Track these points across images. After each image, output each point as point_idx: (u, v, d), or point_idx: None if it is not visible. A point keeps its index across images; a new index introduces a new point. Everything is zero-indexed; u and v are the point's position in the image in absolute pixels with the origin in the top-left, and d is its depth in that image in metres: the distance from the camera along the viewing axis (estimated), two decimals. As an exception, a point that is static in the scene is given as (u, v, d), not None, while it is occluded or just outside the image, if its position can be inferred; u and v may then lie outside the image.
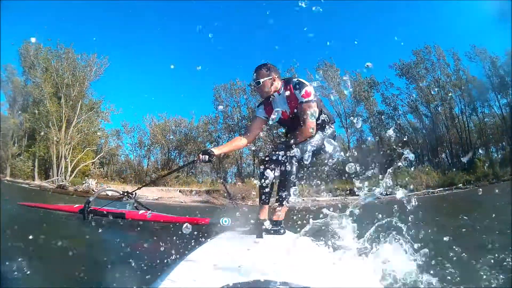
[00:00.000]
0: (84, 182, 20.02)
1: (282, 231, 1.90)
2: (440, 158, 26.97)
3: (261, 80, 2.13)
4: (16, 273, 1.58)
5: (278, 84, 2.18)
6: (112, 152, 26.01)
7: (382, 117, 26.33)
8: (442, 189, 23.69)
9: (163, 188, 20.41)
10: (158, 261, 1.59)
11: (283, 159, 1.93)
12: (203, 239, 1.74)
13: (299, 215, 1.76)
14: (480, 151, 26.39)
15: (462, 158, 26.55)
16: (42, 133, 21.09)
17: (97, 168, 24.24)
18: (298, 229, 2.10)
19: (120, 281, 1.48)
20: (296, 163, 1.97)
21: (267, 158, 2.09)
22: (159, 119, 27.31)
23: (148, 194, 18.18)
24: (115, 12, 39.98)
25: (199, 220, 2.87)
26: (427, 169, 25.45)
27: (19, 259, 1.78)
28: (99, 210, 3.28)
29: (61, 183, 19.87)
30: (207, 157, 2.04)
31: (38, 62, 21.77)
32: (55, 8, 32.03)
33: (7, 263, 1.67)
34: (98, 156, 24.32)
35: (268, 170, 2.06)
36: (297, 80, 2.11)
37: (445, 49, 25.99)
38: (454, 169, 25.67)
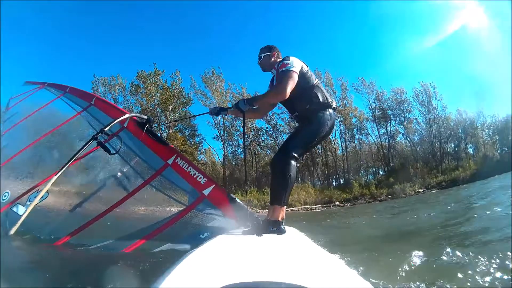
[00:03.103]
0: None
1: (282, 231, 1.89)
2: (318, 177, 27.09)
3: (262, 55, 2.33)
4: (16, 273, 1.57)
5: (277, 60, 2.29)
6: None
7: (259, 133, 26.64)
8: (319, 206, 23.51)
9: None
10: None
11: (282, 159, 1.99)
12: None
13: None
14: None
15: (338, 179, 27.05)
16: None
17: None
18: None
19: (120, 281, 1.51)
20: (297, 164, 2.01)
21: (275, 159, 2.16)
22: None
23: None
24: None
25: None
26: (305, 186, 25.28)
27: (20, 259, 1.77)
28: None
29: None
30: (217, 109, 2.35)
31: None
32: None
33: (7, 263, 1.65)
34: None
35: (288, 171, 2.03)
36: (285, 56, 2.20)
37: (335, 77, 28.23)
38: (332, 188, 25.85)
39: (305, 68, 2.17)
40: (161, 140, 2.52)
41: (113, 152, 2.36)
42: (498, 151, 30.77)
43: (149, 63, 42.70)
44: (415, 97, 28.08)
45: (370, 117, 28.43)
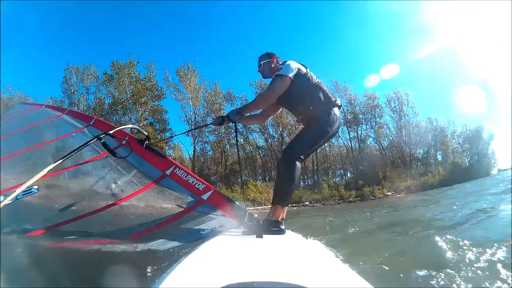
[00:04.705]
0: None
1: (282, 231, 1.88)
2: None
3: (262, 63, 2.35)
4: (16, 273, 1.56)
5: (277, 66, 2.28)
6: None
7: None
8: (289, 205, 23.37)
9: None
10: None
11: (287, 159, 1.99)
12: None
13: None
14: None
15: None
16: None
17: None
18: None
19: (120, 281, 1.51)
20: (300, 163, 2.00)
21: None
22: (4, 91, 22.93)
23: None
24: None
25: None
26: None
27: (20, 259, 1.74)
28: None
29: None
30: (220, 120, 2.25)
31: None
32: None
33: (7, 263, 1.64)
34: None
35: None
36: (283, 61, 2.22)
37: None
38: (301, 188, 25.83)
39: (304, 70, 2.15)
40: (160, 154, 2.64)
41: (119, 155, 2.42)
42: (468, 159, 31.66)
43: (124, 53, 41.49)
44: (387, 103, 28.69)
45: (341, 120, 28.78)
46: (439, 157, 30.76)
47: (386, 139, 29.38)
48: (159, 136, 24.24)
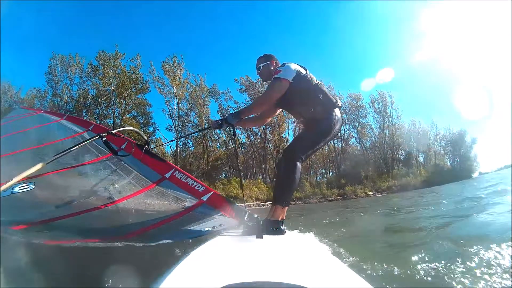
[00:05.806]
0: None
1: (282, 231, 1.88)
2: (268, 174, 27.05)
3: (261, 65, 2.32)
4: (16, 273, 1.54)
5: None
6: None
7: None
8: (270, 202, 23.22)
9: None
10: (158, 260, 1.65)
11: (288, 160, 2.00)
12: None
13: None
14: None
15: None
16: None
17: None
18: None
19: (120, 281, 1.50)
20: (300, 164, 2.01)
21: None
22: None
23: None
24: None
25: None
26: (257, 182, 25.19)
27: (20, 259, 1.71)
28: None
29: None
30: (218, 123, 2.22)
31: None
32: None
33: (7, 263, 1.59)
34: None
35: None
36: (282, 63, 2.20)
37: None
38: None
39: (303, 72, 2.13)
40: (159, 158, 2.71)
41: (120, 154, 2.51)
42: (450, 161, 32.20)
43: (111, 44, 39.21)
44: (371, 104, 29.02)
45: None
46: (421, 159, 31.19)
47: (369, 140, 29.72)
48: (142, 130, 24.11)
